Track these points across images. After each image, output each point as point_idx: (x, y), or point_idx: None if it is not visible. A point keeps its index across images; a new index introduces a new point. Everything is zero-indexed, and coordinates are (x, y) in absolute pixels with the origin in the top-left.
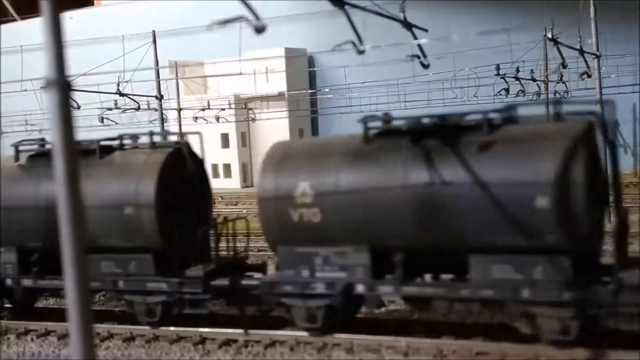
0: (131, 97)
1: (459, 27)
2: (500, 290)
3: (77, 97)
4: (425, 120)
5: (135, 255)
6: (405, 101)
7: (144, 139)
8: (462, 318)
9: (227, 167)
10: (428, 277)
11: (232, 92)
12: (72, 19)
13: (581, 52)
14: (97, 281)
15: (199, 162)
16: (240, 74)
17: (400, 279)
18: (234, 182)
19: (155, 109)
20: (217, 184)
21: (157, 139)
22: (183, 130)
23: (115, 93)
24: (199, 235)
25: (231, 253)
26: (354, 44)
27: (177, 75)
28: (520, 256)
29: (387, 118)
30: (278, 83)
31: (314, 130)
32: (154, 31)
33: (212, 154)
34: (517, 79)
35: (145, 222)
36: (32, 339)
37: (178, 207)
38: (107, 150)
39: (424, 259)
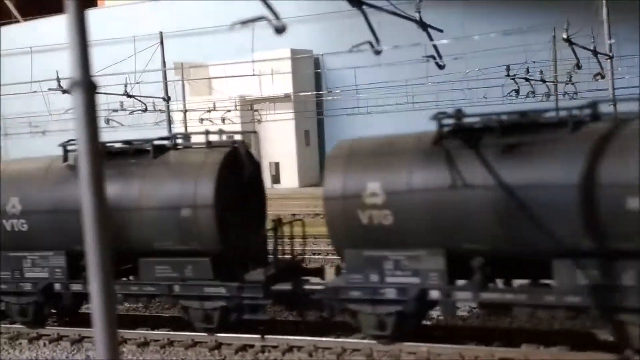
0: (138, 98)
1: (470, 28)
2: (587, 297)
3: None
4: (504, 117)
5: (192, 258)
6: (413, 102)
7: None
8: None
9: None
10: (500, 282)
11: (238, 93)
12: None
13: (595, 52)
14: (151, 286)
15: (255, 163)
16: (253, 74)
17: (480, 285)
18: None
19: (161, 111)
20: None
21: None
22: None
23: (123, 94)
24: (260, 239)
25: (286, 257)
26: (371, 44)
27: (182, 77)
28: (607, 261)
29: (459, 115)
30: (284, 84)
31: (320, 132)
32: (161, 32)
33: None
34: (527, 80)
35: (203, 225)
36: (44, 344)
37: (236, 209)
38: (160, 150)
39: (502, 263)
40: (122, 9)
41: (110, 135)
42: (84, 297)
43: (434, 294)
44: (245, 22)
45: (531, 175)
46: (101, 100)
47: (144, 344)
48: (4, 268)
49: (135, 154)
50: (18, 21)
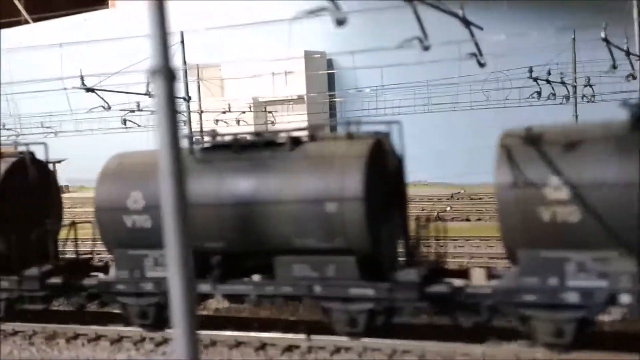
0: None
1: (494, 27)
2: None
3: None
4: None
5: (335, 257)
6: (430, 104)
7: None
8: None
9: None
10: None
11: (250, 95)
12: (86, 21)
13: (627, 53)
14: (289, 286)
15: (398, 156)
16: (285, 72)
17: None
18: None
19: (178, 112)
20: None
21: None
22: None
23: (145, 94)
24: (408, 236)
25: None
26: (420, 40)
27: (198, 78)
28: None
29: None
30: (297, 86)
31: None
32: (182, 31)
33: None
34: (548, 82)
35: (351, 220)
36: (82, 344)
37: (382, 204)
38: (296, 142)
39: None
40: (137, 8)
41: (128, 136)
42: (206, 297)
43: (625, 299)
44: (310, 13)
45: None
46: (120, 100)
47: None
48: (121, 267)
49: (268, 146)
50: (28, 22)
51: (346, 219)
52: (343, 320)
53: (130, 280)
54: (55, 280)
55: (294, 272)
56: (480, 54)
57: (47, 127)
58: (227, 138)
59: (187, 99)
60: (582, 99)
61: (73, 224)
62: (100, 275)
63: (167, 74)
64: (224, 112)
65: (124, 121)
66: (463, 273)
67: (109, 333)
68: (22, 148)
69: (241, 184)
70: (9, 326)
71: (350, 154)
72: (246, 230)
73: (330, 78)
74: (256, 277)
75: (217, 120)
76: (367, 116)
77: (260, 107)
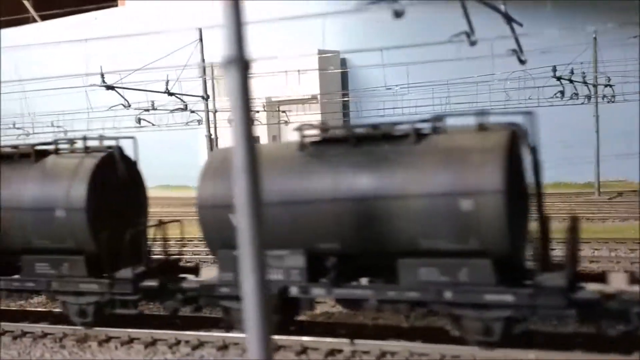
0: (179, 96)
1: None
2: None
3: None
4: None
5: (468, 260)
6: (449, 103)
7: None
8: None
9: None
10: None
11: (263, 94)
12: (97, 19)
13: None
14: (415, 291)
15: (532, 148)
16: (300, 71)
17: None
18: None
19: (192, 111)
20: None
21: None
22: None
23: (164, 92)
24: (547, 236)
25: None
26: (467, 34)
27: (212, 77)
28: None
29: None
30: (310, 85)
31: None
32: (200, 29)
33: None
34: (571, 81)
35: (488, 219)
36: (115, 347)
37: (520, 201)
38: (420, 135)
39: None
40: (147, 6)
41: (140, 135)
42: (310, 302)
43: None
44: (370, 3)
45: None
46: (138, 99)
47: (223, 347)
48: (225, 269)
49: (388, 139)
50: (36, 20)
51: (483, 217)
52: (476, 328)
53: (235, 283)
54: (151, 282)
55: (421, 276)
56: (521, 51)
57: (58, 127)
58: (341, 131)
59: (206, 98)
60: (603, 99)
61: (161, 223)
62: (191, 277)
63: (242, 63)
64: None
65: (139, 120)
66: (599, 277)
67: (142, 336)
68: (110, 142)
69: (360, 181)
70: (37, 328)
71: (487, 146)
72: (366, 230)
73: (344, 77)
74: (364, 281)
75: (230, 120)
76: (383, 115)
77: (274, 107)
